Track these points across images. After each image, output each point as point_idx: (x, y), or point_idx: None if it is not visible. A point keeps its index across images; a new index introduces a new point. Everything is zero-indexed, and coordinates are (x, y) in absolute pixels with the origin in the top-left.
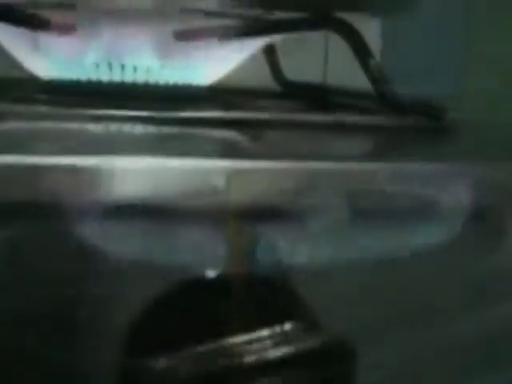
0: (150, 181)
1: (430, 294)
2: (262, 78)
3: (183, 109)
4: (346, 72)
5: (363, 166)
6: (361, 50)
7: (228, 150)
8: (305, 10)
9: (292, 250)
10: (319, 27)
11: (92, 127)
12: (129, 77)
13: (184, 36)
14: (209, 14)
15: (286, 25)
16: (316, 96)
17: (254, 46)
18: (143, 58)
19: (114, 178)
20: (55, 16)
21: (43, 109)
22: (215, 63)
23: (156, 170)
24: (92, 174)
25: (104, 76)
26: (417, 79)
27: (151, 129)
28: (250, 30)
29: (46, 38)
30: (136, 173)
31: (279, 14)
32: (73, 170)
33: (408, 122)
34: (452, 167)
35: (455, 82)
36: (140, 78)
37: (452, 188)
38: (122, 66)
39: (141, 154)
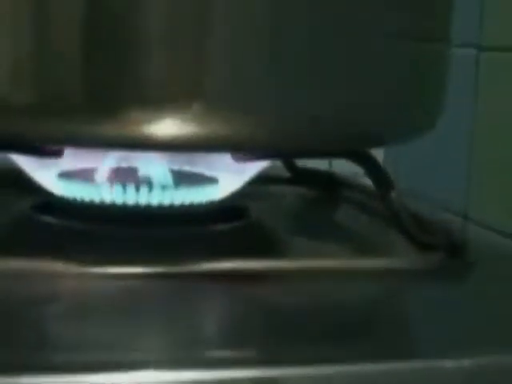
0: None
1: None
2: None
3: (199, 251)
4: None
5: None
6: (381, 182)
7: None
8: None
9: None
10: (339, 157)
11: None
12: (143, 197)
13: None
14: None
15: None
16: (325, 184)
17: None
18: (157, 174)
19: None
20: None
21: (57, 266)
22: (230, 178)
23: None
24: None
25: (118, 197)
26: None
27: (166, 290)
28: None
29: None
30: None
31: None
32: None
33: (427, 264)
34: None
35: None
36: (155, 198)
37: None
38: (137, 188)
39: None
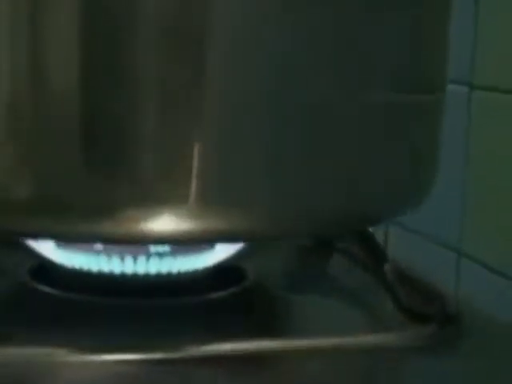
0: None
1: None
2: None
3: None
4: None
5: None
6: (374, 255)
7: None
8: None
9: None
10: None
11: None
12: (141, 267)
13: None
14: None
15: None
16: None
17: None
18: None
19: None
20: None
21: (56, 355)
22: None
23: None
24: None
25: (116, 267)
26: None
27: (165, 376)
28: None
29: None
30: None
31: None
32: None
33: (421, 338)
34: None
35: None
36: (152, 267)
37: None
38: (135, 257)
39: None
